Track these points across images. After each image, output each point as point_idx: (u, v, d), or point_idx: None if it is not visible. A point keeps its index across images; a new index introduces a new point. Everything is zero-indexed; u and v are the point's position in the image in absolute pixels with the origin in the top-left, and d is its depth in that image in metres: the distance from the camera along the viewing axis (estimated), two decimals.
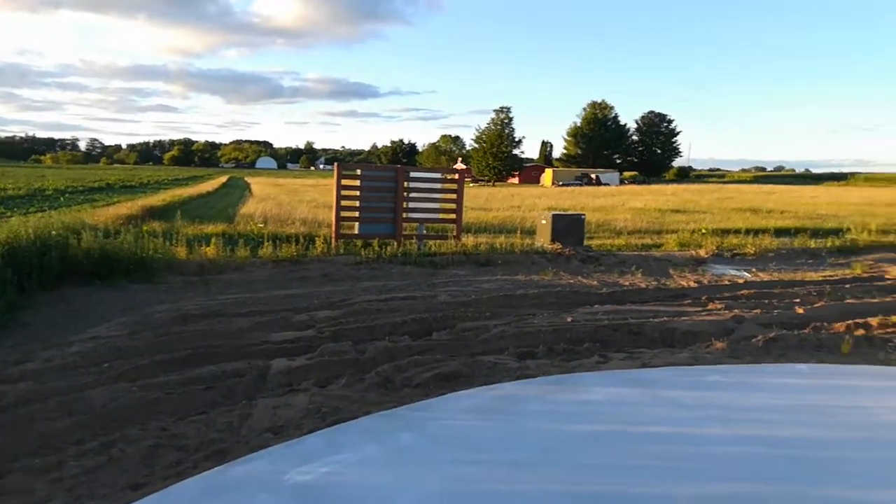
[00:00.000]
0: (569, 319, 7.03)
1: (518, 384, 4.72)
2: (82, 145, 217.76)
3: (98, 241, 9.20)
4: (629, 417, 4.00)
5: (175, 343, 5.93)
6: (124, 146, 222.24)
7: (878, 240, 15.26)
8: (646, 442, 3.63)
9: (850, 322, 6.99)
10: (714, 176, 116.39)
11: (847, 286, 9.60)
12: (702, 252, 13.13)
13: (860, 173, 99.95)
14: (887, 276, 10.81)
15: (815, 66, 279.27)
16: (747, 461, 3.41)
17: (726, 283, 9.87)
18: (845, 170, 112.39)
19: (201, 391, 4.72)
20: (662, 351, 6.03)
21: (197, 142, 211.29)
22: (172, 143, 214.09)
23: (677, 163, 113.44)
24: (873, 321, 7.04)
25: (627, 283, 9.67)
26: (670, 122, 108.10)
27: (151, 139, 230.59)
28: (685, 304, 8.11)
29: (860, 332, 6.69)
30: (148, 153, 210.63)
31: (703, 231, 16.18)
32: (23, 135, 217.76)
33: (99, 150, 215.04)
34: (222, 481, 3.13)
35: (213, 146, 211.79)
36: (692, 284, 9.66)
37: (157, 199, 26.58)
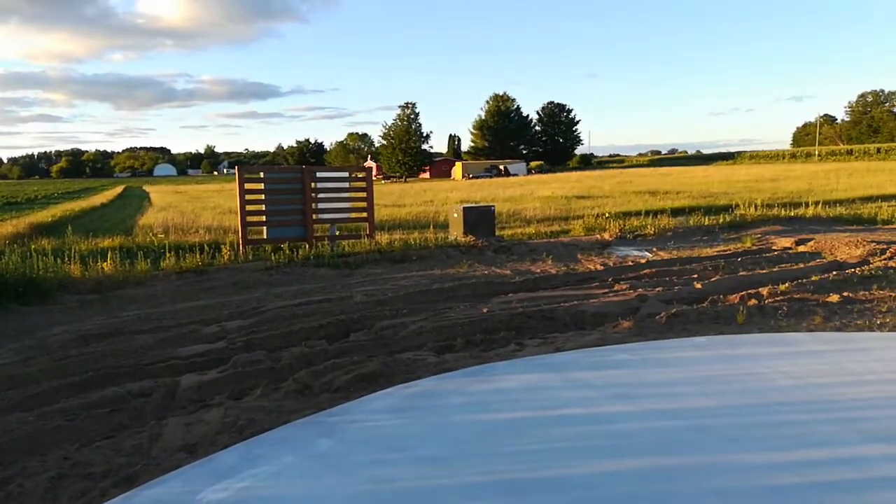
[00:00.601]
0: (485, 310, 7.14)
1: (436, 379, 4.76)
2: None
3: None
4: (543, 402, 4.12)
5: (74, 366, 5.59)
6: (6, 160, 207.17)
7: (764, 214, 16.37)
8: (560, 425, 3.75)
9: (743, 293, 7.46)
10: (614, 161, 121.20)
11: (739, 259, 10.25)
12: (606, 235, 13.66)
13: (746, 152, 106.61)
14: (774, 248, 11.62)
15: (697, 51, 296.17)
16: (655, 435, 3.59)
17: (630, 263, 10.31)
18: (732, 149, 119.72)
19: (106, 414, 4.49)
20: (574, 334, 6.24)
21: (87, 152, 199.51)
22: (60, 154, 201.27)
23: (580, 150, 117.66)
24: (764, 291, 7.54)
25: (539, 271, 9.93)
26: (570, 111, 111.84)
27: (36, 151, 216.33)
28: (593, 287, 8.42)
29: (753, 302, 7.15)
30: (33, 166, 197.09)
31: (607, 215, 16.83)
32: None
33: None
34: None
35: (105, 155, 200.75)
36: (599, 267, 10.03)
37: (46, 214, 24.97)
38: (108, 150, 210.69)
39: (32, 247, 12.24)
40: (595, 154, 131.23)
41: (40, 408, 4.62)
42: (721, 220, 15.34)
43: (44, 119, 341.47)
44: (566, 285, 8.73)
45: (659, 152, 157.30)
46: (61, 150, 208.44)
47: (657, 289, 8.02)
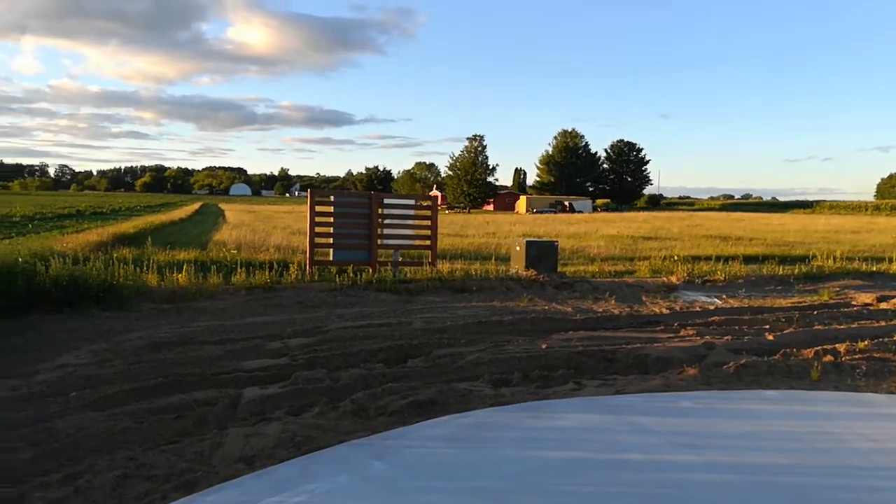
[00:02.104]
0: (544, 346, 7.06)
1: (491, 411, 4.71)
2: (52, 171, 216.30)
3: (67, 269, 9.04)
4: (601, 444, 4.02)
5: (145, 371, 5.83)
6: (95, 172, 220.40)
7: (843, 266, 15.59)
8: (618, 468, 3.64)
9: (818, 348, 7.11)
10: (684, 204, 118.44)
11: (815, 312, 9.78)
12: (673, 279, 13.30)
13: (825, 201, 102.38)
14: (854, 303, 11.04)
15: (774, 96, 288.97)
16: (719, 488, 3.44)
17: (697, 309, 10.00)
18: (810, 198, 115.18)
19: (171, 420, 4.64)
20: (636, 377, 6.08)
21: (169, 168, 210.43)
22: (144, 169, 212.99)
23: (648, 191, 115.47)
24: (841, 347, 7.17)
25: (601, 310, 9.75)
26: (640, 150, 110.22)
27: (123, 165, 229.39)
28: (658, 331, 8.20)
29: (828, 358, 6.80)
30: (119, 180, 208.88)
31: (675, 258, 16.41)
32: None
33: (69, 177, 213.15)
34: None
35: (185, 173, 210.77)
36: (664, 311, 9.77)
37: (128, 225, 26.25)
38: (189, 168, 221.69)
39: (114, 255, 12.90)
40: (664, 195, 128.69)
41: (111, 409, 4.82)
42: (797, 271, 14.70)
43: (132, 136, 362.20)
44: (629, 327, 8.53)
45: (731, 196, 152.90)
46: (146, 165, 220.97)
47: (726, 337, 7.74)
